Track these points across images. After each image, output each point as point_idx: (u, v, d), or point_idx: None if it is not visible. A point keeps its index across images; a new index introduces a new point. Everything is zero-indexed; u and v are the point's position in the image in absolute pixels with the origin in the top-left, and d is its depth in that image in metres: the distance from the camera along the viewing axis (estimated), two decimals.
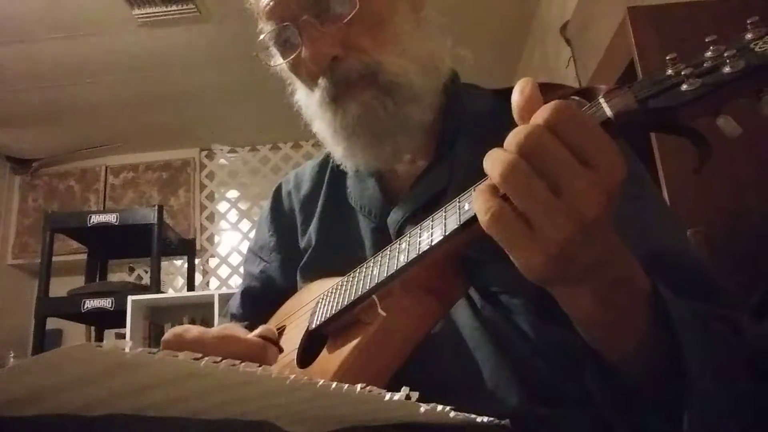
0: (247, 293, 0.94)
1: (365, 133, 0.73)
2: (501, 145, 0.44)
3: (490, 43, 3.23)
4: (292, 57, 0.74)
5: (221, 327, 0.73)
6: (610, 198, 0.42)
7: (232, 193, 4.46)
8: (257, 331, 0.68)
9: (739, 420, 0.50)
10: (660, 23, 1.45)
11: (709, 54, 0.40)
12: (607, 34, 1.75)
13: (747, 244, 1.29)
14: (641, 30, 1.45)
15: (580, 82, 2.32)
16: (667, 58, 0.42)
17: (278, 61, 0.78)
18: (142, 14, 3.00)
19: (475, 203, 0.45)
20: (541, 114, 0.42)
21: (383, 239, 0.75)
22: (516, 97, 0.46)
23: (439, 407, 0.44)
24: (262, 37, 0.77)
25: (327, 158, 0.92)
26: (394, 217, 0.76)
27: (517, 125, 0.46)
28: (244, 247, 4.11)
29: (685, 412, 0.47)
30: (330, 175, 0.89)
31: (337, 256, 0.79)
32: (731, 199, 1.32)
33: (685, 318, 0.49)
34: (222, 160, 4.47)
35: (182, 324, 3.09)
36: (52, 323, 2.83)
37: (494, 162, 0.43)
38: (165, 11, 3.00)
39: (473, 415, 0.47)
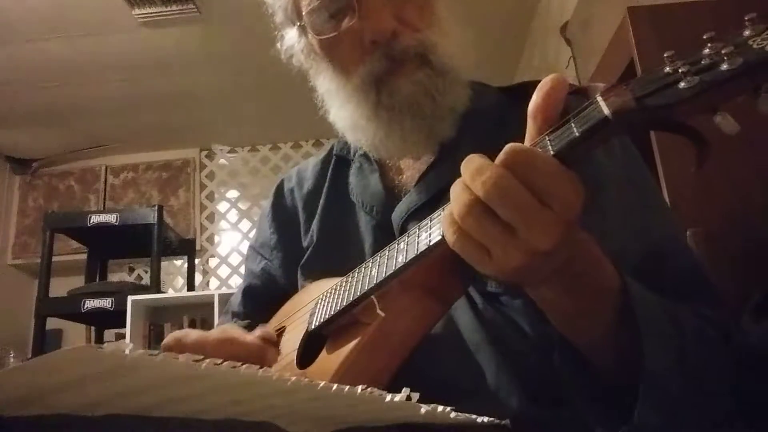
0: (248, 291, 0.93)
1: (416, 114, 0.71)
2: (506, 144, 0.44)
3: (490, 43, 3.23)
4: (339, 30, 0.72)
5: (220, 329, 0.73)
6: (567, 230, 0.43)
7: (232, 193, 4.46)
8: (256, 333, 0.68)
9: (707, 417, 0.51)
10: (660, 23, 1.45)
11: (706, 51, 0.40)
12: (607, 34, 1.75)
13: (747, 243, 1.29)
14: (641, 30, 1.45)
15: (580, 82, 2.32)
16: (665, 55, 0.42)
17: (317, 37, 0.75)
18: (142, 14, 3.00)
19: (444, 223, 0.47)
20: (502, 156, 0.43)
21: (385, 236, 0.74)
22: (538, 98, 0.46)
23: (440, 408, 0.44)
24: (307, 9, 0.74)
25: (329, 154, 0.91)
26: (398, 213, 0.75)
27: (523, 123, 0.46)
28: (244, 247, 4.10)
29: (637, 404, 0.49)
30: (332, 172, 0.88)
31: (338, 254, 0.79)
32: (731, 199, 1.32)
33: (651, 316, 0.50)
34: (222, 160, 4.46)
35: (182, 324, 3.08)
36: (52, 323, 2.83)
37: (453, 197, 0.45)
38: (165, 11, 2.99)
39: (474, 416, 0.47)
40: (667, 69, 0.42)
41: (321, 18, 0.73)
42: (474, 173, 0.44)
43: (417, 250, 0.55)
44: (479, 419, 0.47)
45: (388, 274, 0.58)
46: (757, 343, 0.55)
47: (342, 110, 0.77)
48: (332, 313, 0.64)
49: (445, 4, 0.76)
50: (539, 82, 0.47)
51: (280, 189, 0.95)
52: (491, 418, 0.48)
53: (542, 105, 0.45)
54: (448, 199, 0.56)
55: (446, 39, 0.73)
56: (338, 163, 0.89)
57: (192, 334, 0.65)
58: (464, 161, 0.45)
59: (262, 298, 0.90)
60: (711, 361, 0.53)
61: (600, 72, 1.90)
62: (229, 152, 4.44)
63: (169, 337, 0.66)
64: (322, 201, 0.86)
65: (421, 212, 0.72)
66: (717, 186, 1.31)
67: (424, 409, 0.44)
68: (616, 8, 1.70)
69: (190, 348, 0.64)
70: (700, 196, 1.30)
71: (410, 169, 0.80)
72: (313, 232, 0.84)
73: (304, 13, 0.75)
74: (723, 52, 0.39)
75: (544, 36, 3.11)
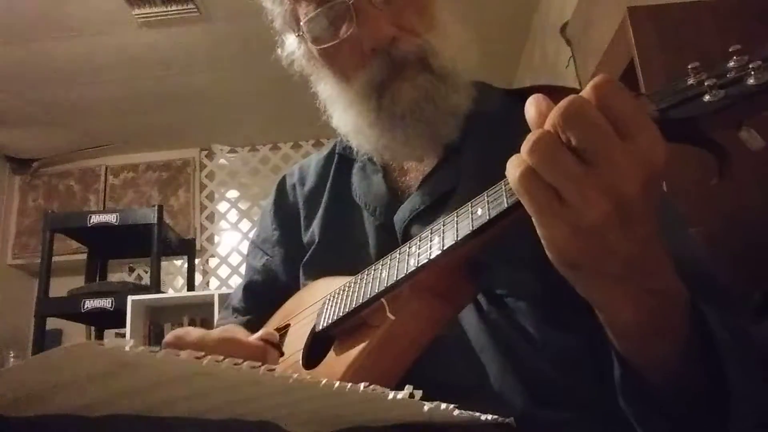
0: (249, 287, 0.93)
1: (418, 119, 0.71)
2: (511, 147, 0.43)
3: (490, 43, 3.22)
4: (337, 40, 0.71)
5: (221, 329, 0.73)
6: (649, 178, 0.39)
7: (232, 193, 4.46)
8: (258, 334, 0.67)
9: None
10: (660, 23, 1.45)
11: (732, 64, 0.39)
12: (607, 34, 1.75)
13: (747, 243, 1.29)
14: (641, 30, 1.45)
15: (580, 82, 2.32)
16: (689, 67, 0.40)
17: (316, 46, 0.74)
18: (142, 14, 3.00)
19: (509, 163, 0.42)
20: (588, 88, 0.40)
21: (388, 237, 0.74)
22: (531, 113, 0.43)
23: (443, 406, 0.44)
24: (302, 21, 0.74)
25: (332, 152, 0.91)
26: (401, 215, 0.75)
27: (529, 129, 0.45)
28: (244, 247, 4.10)
29: (731, 416, 0.46)
30: (335, 170, 0.88)
31: (341, 253, 0.79)
32: (731, 199, 1.32)
33: (724, 335, 0.48)
34: (222, 160, 4.46)
35: (182, 324, 3.09)
36: (52, 323, 2.83)
37: (529, 137, 0.41)
38: (165, 11, 2.99)
39: (477, 414, 0.47)
40: (691, 81, 0.40)
41: (319, 26, 0.73)
42: (542, 111, 0.40)
43: (429, 254, 0.55)
44: (483, 417, 0.47)
45: (399, 277, 0.58)
46: (758, 344, 0.55)
47: (345, 115, 0.77)
48: (341, 314, 0.64)
49: (445, 6, 0.76)
50: (548, 86, 0.46)
51: (282, 185, 0.95)
52: (495, 416, 0.48)
53: (539, 119, 0.43)
54: (452, 203, 0.55)
55: (447, 42, 0.72)
56: (341, 161, 0.89)
57: (193, 333, 0.65)
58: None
59: (263, 294, 0.90)
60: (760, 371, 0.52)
61: (600, 72, 1.90)
62: (229, 152, 4.44)
63: (170, 335, 0.65)
64: (324, 200, 0.86)
65: (424, 216, 0.72)
66: (717, 186, 1.31)
67: (427, 407, 0.43)
68: (616, 8, 1.70)
69: (190, 346, 0.63)
70: (700, 196, 1.30)
71: (414, 171, 0.80)
72: (315, 231, 0.84)
73: (302, 22, 0.74)
74: (750, 66, 0.38)
75: (544, 36, 3.11)
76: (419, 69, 0.70)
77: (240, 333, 0.70)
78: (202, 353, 0.33)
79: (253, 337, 0.67)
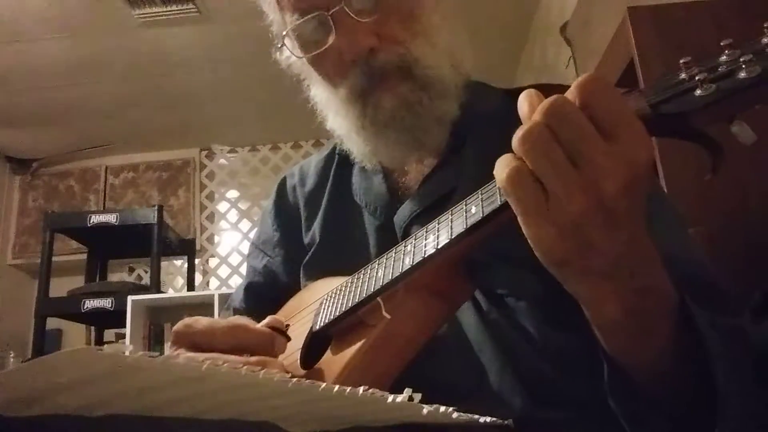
0: (250, 288, 0.93)
1: (399, 128, 0.71)
2: (510, 147, 0.43)
3: (490, 43, 3.22)
4: (321, 49, 0.72)
5: (230, 318, 0.73)
6: (632, 178, 0.40)
7: (232, 193, 4.46)
8: (266, 321, 0.68)
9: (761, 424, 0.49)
10: (660, 23, 1.45)
11: (724, 58, 0.39)
12: (607, 34, 1.75)
13: (747, 243, 1.29)
14: (641, 30, 1.45)
15: None
16: (681, 61, 0.40)
17: (300, 54, 0.75)
18: (142, 14, 3.00)
19: (497, 164, 0.43)
20: (572, 87, 0.41)
21: (388, 238, 0.74)
22: (524, 109, 0.44)
23: (442, 408, 0.44)
24: (287, 29, 0.75)
25: (332, 152, 0.91)
26: (401, 216, 0.75)
27: None
28: (244, 247, 4.11)
29: (718, 417, 0.46)
30: (335, 171, 0.88)
31: (342, 254, 0.79)
32: (731, 198, 1.32)
33: (713, 336, 0.48)
34: (222, 160, 4.46)
35: None
36: (52, 323, 2.83)
37: (519, 130, 0.42)
38: (165, 11, 3.00)
39: (476, 416, 0.47)
40: (683, 75, 0.41)
41: (303, 36, 0.74)
42: (535, 107, 0.41)
43: (424, 253, 0.55)
44: (482, 419, 0.47)
45: (394, 276, 0.58)
46: (758, 344, 0.55)
47: (336, 119, 0.78)
48: (337, 313, 0.64)
49: (438, 10, 0.76)
50: (547, 84, 0.46)
51: (282, 186, 0.96)
52: (494, 418, 0.48)
53: (531, 115, 0.43)
54: (452, 204, 0.55)
55: (433, 49, 0.72)
56: (341, 162, 0.89)
57: (202, 321, 0.65)
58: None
59: (264, 295, 0.90)
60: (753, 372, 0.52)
61: (600, 72, 1.90)
62: (229, 152, 4.44)
63: (179, 323, 0.65)
64: (324, 200, 0.86)
65: (423, 217, 0.72)
66: (717, 186, 1.31)
67: (426, 409, 0.43)
68: (616, 8, 1.70)
69: (199, 334, 0.63)
70: (700, 196, 1.30)
71: (414, 171, 0.80)
72: (315, 232, 0.84)
73: (285, 31, 0.75)
74: (741, 59, 0.38)
75: (544, 36, 3.11)
76: (400, 78, 0.70)
77: (247, 321, 0.70)
78: (201, 358, 0.33)
79: (261, 324, 0.67)
